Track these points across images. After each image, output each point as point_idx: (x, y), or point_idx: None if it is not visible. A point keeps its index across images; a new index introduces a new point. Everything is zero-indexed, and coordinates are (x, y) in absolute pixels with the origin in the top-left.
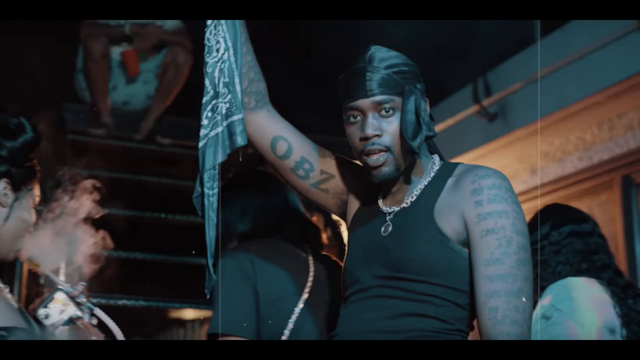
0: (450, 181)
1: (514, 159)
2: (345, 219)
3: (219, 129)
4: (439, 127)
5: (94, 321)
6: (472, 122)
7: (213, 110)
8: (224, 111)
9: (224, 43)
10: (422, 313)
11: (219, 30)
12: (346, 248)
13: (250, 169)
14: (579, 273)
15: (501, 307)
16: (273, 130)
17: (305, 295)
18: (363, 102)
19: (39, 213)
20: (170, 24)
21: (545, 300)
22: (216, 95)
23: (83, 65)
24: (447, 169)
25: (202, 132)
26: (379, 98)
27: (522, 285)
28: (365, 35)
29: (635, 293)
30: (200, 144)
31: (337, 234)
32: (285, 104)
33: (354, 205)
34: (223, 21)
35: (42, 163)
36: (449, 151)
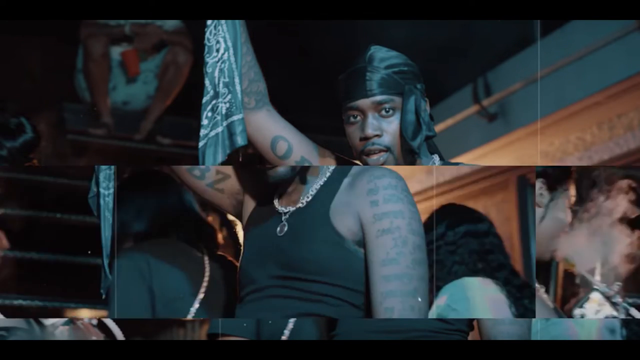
0: (345, 181)
1: (514, 159)
2: (241, 219)
3: (219, 129)
4: (439, 127)
5: (94, 321)
6: (472, 122)
7: (213, 110)
8: (224, 111)
9: (224, 43)
10: (317, 313)
11: (219, 30)
12: (242, 248)
13: (146, 169)
14: (474, 273)
15: (397, 307)
16: (273, 130)
17: (200, 296)
18: (363, 102)
19: (574, 213)
20: (170, 24)
21: (440, 300)
22: (216, 95)
23: (83, 65)
24: (342, 169)
25: (202, 132)
26: (379, 98)
27: (417, 285)
28: (365, 35)
29: (531, 293)
30: (200, 144)
31: (232, 234)
32: (285, 104)
33: (249, 205)
34: (223, 21)
35: (42, 163)
36: (449, 151)
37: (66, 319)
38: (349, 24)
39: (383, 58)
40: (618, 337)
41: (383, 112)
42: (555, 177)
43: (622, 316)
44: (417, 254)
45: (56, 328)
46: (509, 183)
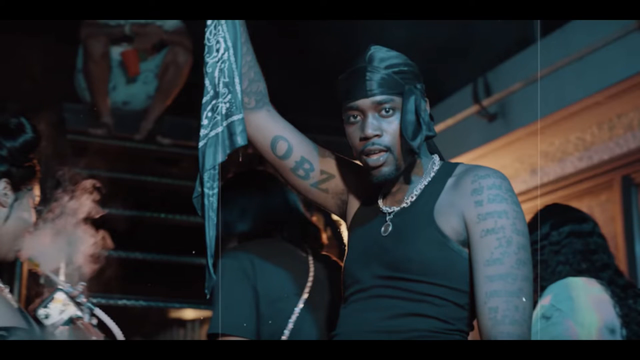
0: (450, 181)
1: (514, 159)
2: (345, 219)
3: (219, 129)
4: (438, 127)
5: (94, 321)
6: (472, 122)
7: (213, 110)
8: (224, 111)
9: (224, 43)
10: (422, 313)
11: (219, 30)
12: (346, 248)
13: (250, 169)
14: (578, 273)
15: (501, 307)
16: (273, 130)
17: (305, 295)
18: (363, 102)
19: (39, 213)
20: (170, 23)
21: (545, 300)
22: (216, 95)
23: (83, 65)
24: (447, 169)
25: (202, 132)
26: (378, 98)
27: (522, 285)
28: (365, 35)
29: (635, 293)
30: (200, 144)
31: (337, 234)
32: (285, 103)
33: (354, 205)
34: (223, 21)
35: (42, 163)
36: (448, 151)
37: (66, 318)
38: (349, 23)
39: (383, 58)
40: (618, 337)
41: (383, 112)
42: (21, 176)
43: (87, 316)
44: (522, 254)
45: (56, 328)
46: (613, 183)
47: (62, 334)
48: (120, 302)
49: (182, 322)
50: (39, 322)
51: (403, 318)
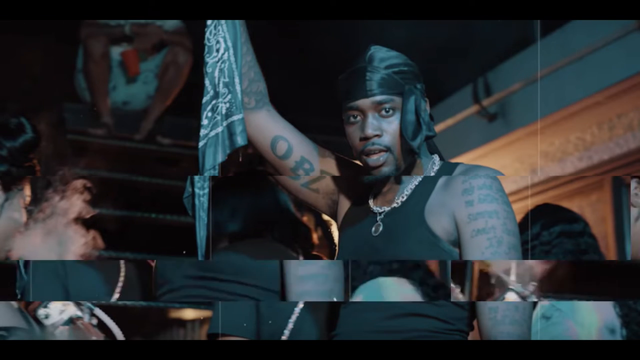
0: (440, 181)
1: (514, 159)
2: (336, 219)
3: (219, 129)
4: (438, 127)
5: (94, 321)
6: (472, 122)
7: (213, 110)
8: (224, 111)
9: (224, 43)
10: (422, 313)
11: (219, 30)
12: (337, 248)
13: (248, 169)
14: None
15: (501, 307)
16: (273, 130)
17: (116, 295)
18: (363, 102)
19: (29, 213)
20: (170, 23)
21: (544, 300)
22: (216, 95)
23: (83, 66)
24: (447, 169)
25: (202, 132)
26: (378, 98)
27: None
28: (365, 35)
29: (447, 293)
30: (200, 144)
31: (327, 234)
32: (285, 104)
33: (344, 205)
34: (223, 21)
35: (42, 163)
36: (449, 151)
37: (66, 318)
38: (349, 24)
39: (383, 58)
40: (618, 337)
41: (383, 112)
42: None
43: (87, 316)
44: (512, 254)
45: (56, 328)
46: (604, 183)
47: (61, 334)
48: (120, 303)
49: (182, 322)
50: (38, 322)
51: (403, 318)
